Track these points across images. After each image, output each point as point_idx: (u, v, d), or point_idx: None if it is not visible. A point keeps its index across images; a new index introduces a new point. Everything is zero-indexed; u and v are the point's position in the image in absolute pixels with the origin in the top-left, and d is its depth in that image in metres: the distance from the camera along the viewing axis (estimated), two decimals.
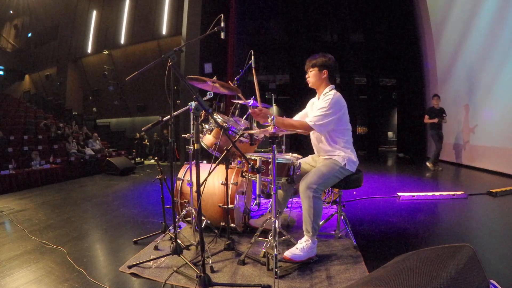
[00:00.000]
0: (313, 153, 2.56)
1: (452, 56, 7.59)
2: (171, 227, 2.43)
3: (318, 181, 2.14)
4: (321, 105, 2.23)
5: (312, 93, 2.50)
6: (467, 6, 6.83)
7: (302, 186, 2.16)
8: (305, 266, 2.10)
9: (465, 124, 7.04)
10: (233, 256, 2.29)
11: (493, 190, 4.04)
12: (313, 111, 2.31)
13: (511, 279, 1.84)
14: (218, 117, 2.55)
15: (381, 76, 12.06)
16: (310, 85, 2.40)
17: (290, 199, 2.78)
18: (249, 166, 2.09)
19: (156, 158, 2.99)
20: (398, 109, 11.07)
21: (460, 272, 1.12)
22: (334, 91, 2.30)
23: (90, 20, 14.47)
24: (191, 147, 2.51)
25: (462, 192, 4.00)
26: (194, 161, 1.82)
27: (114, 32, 13.67)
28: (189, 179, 2.58)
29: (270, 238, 2.09)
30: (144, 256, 2.30)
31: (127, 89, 13.93)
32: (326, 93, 2.30)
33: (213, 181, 2.62)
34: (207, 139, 2.62)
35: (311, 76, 2.35)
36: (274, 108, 2.60)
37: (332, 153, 2.30)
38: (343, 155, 2.25)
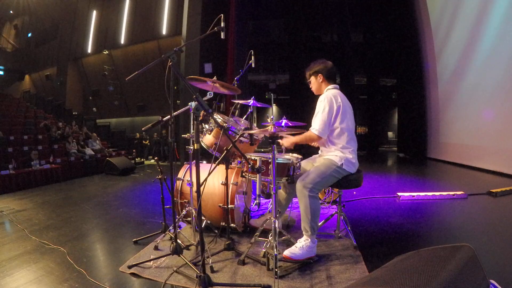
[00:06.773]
0: (314, 153, 2.57)
1: (452, 56, 7.59)
2: (171, 227, 2.43)
3: (314, 180, 2.14)
4: (317, 109, 2.27)
5: (312, 92, 2.52)
6: (467, 6, 6.83)
7: (299, 185, 2.16)
8: (305, 266, 2.10)
9: (466, 124, 7.04)
10: (233, 256, 2.29)
11: (493, 190, 4.05)
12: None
13: (511, 279, 1.84)
14: (218, 117, 2.55)
15: (381, 76, 12.06)
16: (315, 92, 2.47)
17: None
18: (249, 166, 2.10)
19: (156, 158, 2.99)
20: (398, 109, 11.06)
21: (460, 272, 1.12)
22: (329, 90, 2.32)
23: (90, 20, 14.47)
24: (191, 147, 2.51)
25: (462, 192, 4.00)
26: (194, 161, 1.82)
27: (114, 32, 13.66)
28: (189, 179, 2.58)
29: (270, 238, 2.09)
30: (144, 256, 2.30)
31: (127, 89, 13.93)
32: (322, 94, 2.33)
33: (213, 181, 2.62)
34: (207, 139, 2.62)
35: (312, 84, 2.46)
36: (274, 108, 2.60)
37: (330, 153, 2.31)
38: (341, 155, 2.25)
